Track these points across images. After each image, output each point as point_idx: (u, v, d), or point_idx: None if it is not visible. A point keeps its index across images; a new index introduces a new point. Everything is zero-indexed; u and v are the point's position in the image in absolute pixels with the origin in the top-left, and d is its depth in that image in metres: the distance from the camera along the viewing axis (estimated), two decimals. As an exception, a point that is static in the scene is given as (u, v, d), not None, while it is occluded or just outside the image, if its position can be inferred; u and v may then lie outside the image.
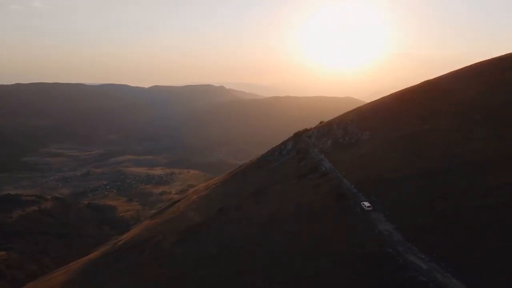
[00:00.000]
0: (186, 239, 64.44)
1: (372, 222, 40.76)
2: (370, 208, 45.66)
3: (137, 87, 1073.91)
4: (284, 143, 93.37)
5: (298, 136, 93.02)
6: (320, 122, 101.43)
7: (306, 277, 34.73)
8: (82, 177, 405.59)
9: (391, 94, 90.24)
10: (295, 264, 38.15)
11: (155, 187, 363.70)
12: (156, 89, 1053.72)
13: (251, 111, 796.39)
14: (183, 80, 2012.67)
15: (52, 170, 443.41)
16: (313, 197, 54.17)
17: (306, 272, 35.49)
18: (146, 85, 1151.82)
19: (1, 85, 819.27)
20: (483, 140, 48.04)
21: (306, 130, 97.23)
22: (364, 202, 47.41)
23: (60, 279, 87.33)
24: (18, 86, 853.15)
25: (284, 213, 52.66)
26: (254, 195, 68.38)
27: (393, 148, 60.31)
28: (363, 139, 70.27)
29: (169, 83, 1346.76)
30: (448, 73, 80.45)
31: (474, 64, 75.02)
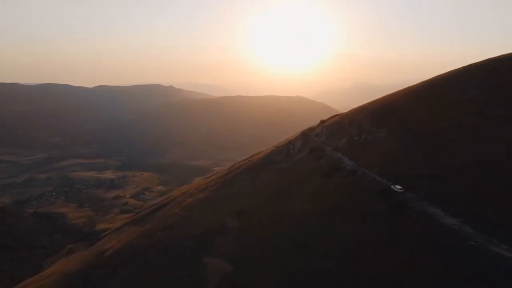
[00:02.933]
0: (206, 244, 61.63)
1: (434, 216, 41.24)
2: (402, 190, 48.59)
3: (80, 87, 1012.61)
4: (292, 142, 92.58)
5: (305, 135, 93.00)
6: (321, 121, 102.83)
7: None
8: (23, 184, 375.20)
9: (396, 92, 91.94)
10: (382, 260, 38.45)
11: (107, 191, 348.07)
12: (101, 89, 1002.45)
13: (203, 111, 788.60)
14: (130, 80, 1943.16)
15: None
16: (353, 195, 54.20)
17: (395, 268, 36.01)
18: (90, 85, 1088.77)
19: None
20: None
21: (310, 129, 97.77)
22: (396, 185, 50.31)
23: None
24: None
25: (332, 212, 52.18)
26: (276, 195, 66.89)
27: (417, 145, 61.15)
28: (380, 136, 70.81)
29: (115, 83, 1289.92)
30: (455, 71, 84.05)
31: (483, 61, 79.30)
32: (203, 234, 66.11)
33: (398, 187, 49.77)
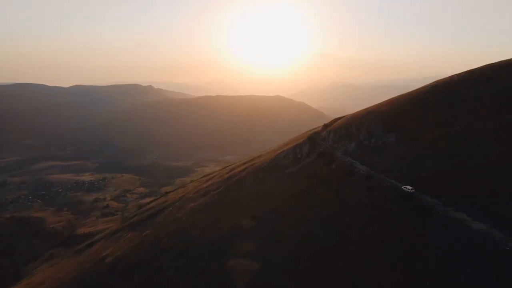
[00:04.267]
0: (224, 248, 60.79)
1: (461, 222, 41.59)
2: (413, 191, 49.84)
3: (55, 87, 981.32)
4: (299, 146, 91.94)
5: (311, 139, 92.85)
6: (325, 125, 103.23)
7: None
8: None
9: (400, 96, 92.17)
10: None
11: (86, 194, 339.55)
12: (77, 89, 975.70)
13: (183, 111, 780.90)
14: (107, 80, 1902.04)
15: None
16: (375, 200, 54.06)
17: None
18: (66, 84, 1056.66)
19: None
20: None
21: (316, 133, 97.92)
22: (407, 186, 51.52)
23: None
24: None
25: (357, 216, 51.95)
26: (292, 199, 66.33)
27: (429, 149, 60.90)
28: (390, 140, 71.07)
29: (92, 83, 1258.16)
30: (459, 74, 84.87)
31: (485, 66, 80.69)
32: (220, 238, 65.06)
33: (409, 187, 50.83)
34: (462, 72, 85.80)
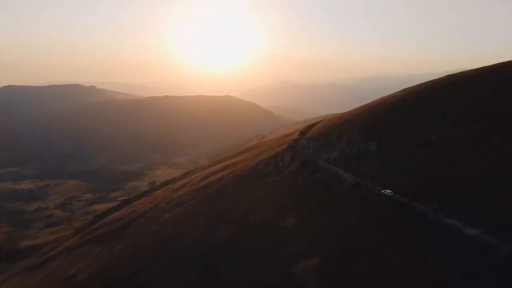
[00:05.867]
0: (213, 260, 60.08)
1: (456, 228, 43.69)
2: (392, 194, 53.24)
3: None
4: (280, 154, 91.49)
5: (292, 146, 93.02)
6: (301, 132, 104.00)
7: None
8: None
9: (375, 103, 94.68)
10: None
11: (26, 203, 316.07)
12: (9, 90, 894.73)
13: (130, 112, 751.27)
14: (44, 79, 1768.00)
15: None
16: (369, 208, 54.85)
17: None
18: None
19: None
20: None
21: (295, 141, 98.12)
22: (386, 190, 55.01)
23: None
24: None
25: (357, 225, 52.22)
26: (281, 210, 65.73)
27: (411, 157, 63.01)
28: (371, 149, 73.21)
29: (26, 83, 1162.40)
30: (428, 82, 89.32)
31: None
32: (212, 250, 63.42)
33: (389, 191, 54.56)
34: (429, 81, 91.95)
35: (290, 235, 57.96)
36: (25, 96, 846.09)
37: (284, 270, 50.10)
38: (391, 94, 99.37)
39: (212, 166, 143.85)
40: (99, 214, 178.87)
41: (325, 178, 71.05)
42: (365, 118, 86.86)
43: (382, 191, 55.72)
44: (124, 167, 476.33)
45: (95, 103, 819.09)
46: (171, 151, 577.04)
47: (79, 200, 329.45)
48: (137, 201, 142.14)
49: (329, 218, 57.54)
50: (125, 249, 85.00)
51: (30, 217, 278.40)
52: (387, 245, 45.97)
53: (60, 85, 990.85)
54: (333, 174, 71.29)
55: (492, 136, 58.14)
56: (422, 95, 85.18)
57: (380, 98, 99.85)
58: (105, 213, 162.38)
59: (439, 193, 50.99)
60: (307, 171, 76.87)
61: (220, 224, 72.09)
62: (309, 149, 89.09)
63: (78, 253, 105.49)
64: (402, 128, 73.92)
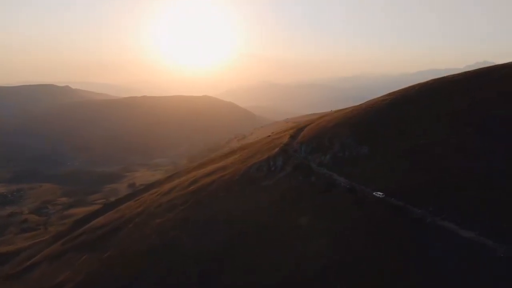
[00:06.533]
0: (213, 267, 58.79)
1: (453, 231, 44.53)
2: (383, 196, 54.09)
3: None
4: (272, 158, 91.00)
5: (284, 150, 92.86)
6: (291, 136, 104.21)
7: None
8: None
9: (362, 107, 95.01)
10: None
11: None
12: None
13: (106, 112, 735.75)
14: (15, 79, 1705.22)
15: None
16: (363, 212, 55.12)
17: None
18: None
19: None
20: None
21: (286, 145, 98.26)
22: (378, 192, 55.83)
23: None
24: None
25: (356, 230, 52.35)
26: (277, 214, 65.29)
27: (405, 160, 63.57)
28: (364, 152, 73.99)
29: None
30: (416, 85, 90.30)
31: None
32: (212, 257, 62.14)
33: (380, 193, 55.53)
34: (416, 85, 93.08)
35: (287, 239, 57.90)
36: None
37: (282, 274, 50.18)
38: (380, 96, 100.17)
39: (197, 169, 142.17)
40: (80, 219, 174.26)
41: (319, 181, 71.26)
42: (356, 121, 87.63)
43: (373, 193, 56.68)
44: (102, 169, 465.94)
45: (70, 103, 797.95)
46: (150, 152, 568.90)
47: (55, 204, 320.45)
48: (122, 205, 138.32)
49: (327, 220, 57.63)
50: (115, 257, 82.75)
51: (4, 222, 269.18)
52: (385, 248, 46.53)
53: (32, 85, 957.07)
54: (327, 178, 71.86)
55: (484, 138, 59.34)
56: (411, 98, 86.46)
57: (369, 101, 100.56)
58: (87, 218, 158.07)
59: (434, 196, 51.85)
60: (301, 175, 76.93)
61: (215, 229, 71.00)
62: (301, 153, 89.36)
63: (62, 260, 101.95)
64: (394, 132, 74.84)
